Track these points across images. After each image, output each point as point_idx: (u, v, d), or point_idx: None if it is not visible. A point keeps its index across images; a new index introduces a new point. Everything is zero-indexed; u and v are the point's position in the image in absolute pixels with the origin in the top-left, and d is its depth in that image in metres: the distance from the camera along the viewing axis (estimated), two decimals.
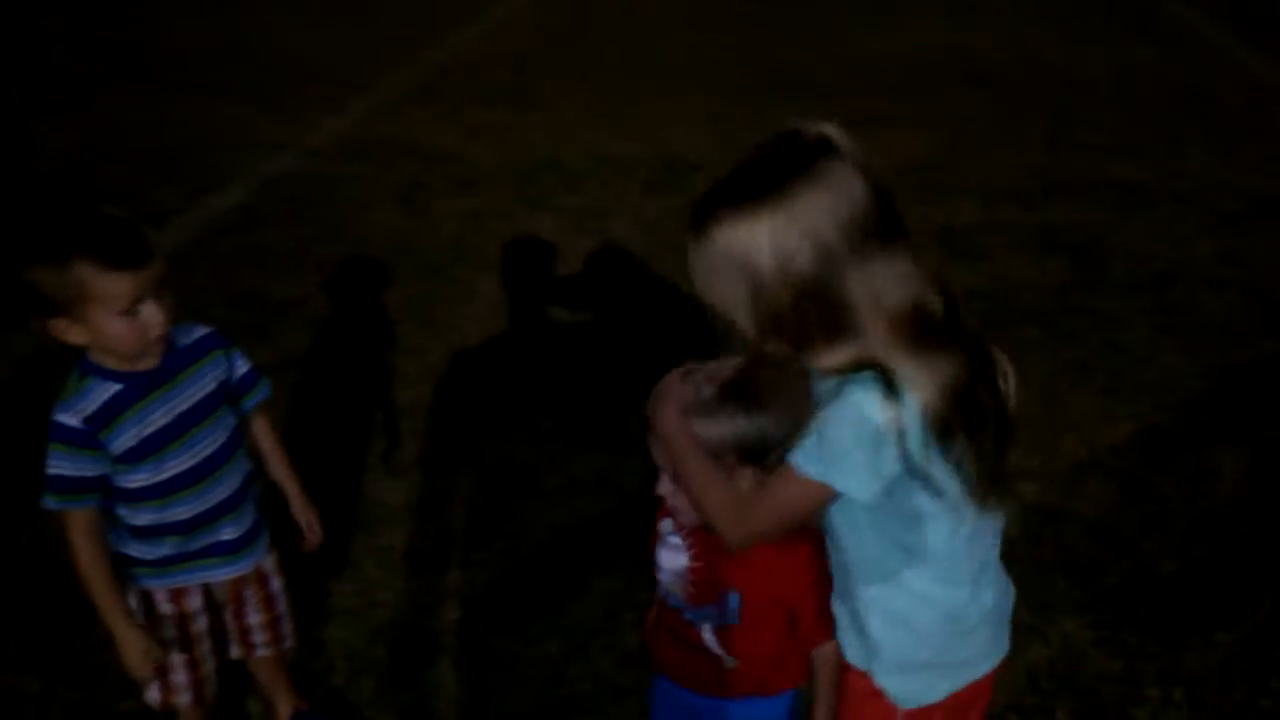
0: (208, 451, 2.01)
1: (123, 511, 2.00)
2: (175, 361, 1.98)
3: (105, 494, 1.97)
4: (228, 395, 2.08)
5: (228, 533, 2.10)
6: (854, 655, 1.61)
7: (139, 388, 1.92)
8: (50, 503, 1.91)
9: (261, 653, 2.28)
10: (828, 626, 1.66)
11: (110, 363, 1.91)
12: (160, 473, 1.96)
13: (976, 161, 5.65)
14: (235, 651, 2.28)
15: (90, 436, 1.88)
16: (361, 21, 8.69)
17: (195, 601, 2.12)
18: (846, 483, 1.36)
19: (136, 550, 2.04)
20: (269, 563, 2.23)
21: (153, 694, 2.18)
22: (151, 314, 1.86)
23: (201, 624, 2.15)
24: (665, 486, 1.64)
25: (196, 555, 2.08)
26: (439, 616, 2.74)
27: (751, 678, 1.76)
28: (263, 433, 2.20)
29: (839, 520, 1.49)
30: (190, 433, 1.99)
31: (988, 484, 1.41)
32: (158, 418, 1.95)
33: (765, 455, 1.51)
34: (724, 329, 1.45)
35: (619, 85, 7.09)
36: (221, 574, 2.13)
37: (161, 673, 2.14)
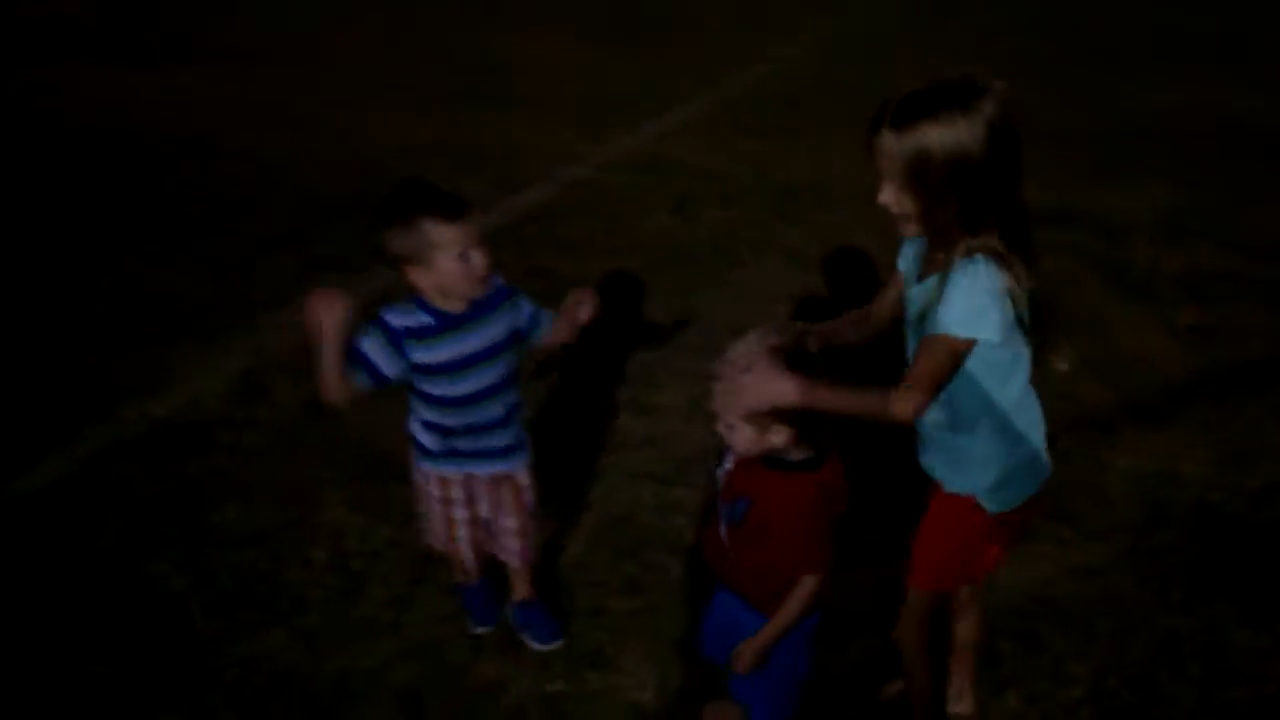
0: (485, 384, 2.53)
1: (417, 404, 2.57)
2: (475, 311, 2.49)
3: (381, 381, 2.43)
4: (516, 339, 2.58)
5: (493, 441, 2.62)
6: (957, 485, 2.11)
7: (443, 324, 2.46)
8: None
9: (512, 562, 2.83)
10: (811, 561, 2.09)
11: (434, 301, 2.44)
12: (445, 389, 2.50)
13: (1226, 218, 5.71)
14: (490, 547, 2.83)
15: (398, 337, 2.43)
16: (662, 58, 9.65)
17: (456, 492, 2.66)
18: (986, 331, 1.89)
19: (420, 435, 2.61)
20: (524, 476, 2.73)
21: (427, 538, 2.82)
22: (478, 259, 2.40)
23: (459, 514, 2.70)
24: (720, 425, 2.09)
25: (464, 455, 2.61)
26: (665, 518, 3.37)
27: (741, 581, 2.21)
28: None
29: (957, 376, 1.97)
30: (474, 367, 2.50)
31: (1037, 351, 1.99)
32: (449, 350, 2.46)
33: (795, 416, 1.98)
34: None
35: None
36: (483, 469, 2.65)
37: (429, 524, 2.76)
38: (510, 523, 2.76)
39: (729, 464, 2.22)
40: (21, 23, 10.98)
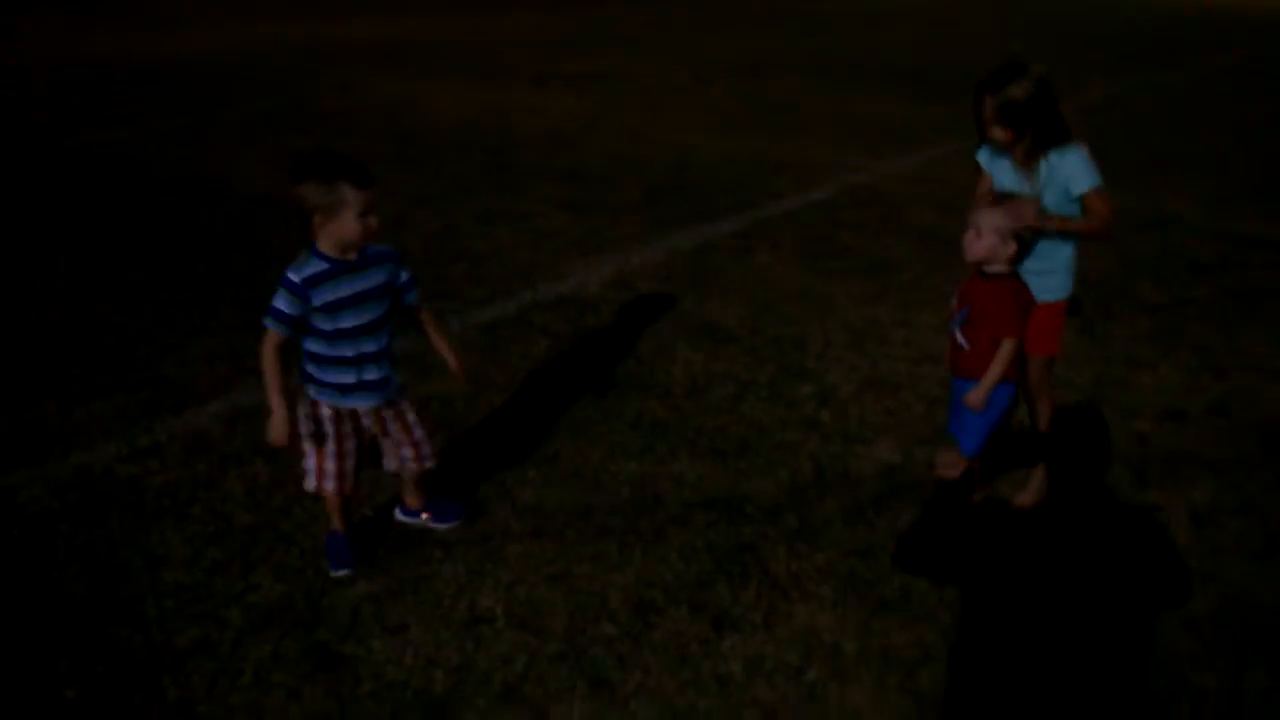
0: (368, 319, 3.05)
1: (311, 346, 3.04)
2: (364, 261, 3.02)
3: (298, 330, 2.98)
4: (390, 290, 3.11)
5: (371, 374, 3.10)
6: (1063, 291, 3.50)
7: (339, 269, 2.96)
8: (267, 322, 2.98)
9: (410, 466, 3.31)
10: (1010, 328, 3.30)
11: (329, 250, 2.93)
12: (337, 323, 3.00)
13: None
14: (391, 465, 3.31)
15: (302, 289, 2.91)
16: (946, 108, 11.03)
17: (329, 428, 3.12)
18: (1101, 181, 3.30)
19: (314, 371, 3.08)
20: (406, 406, 3.25)
21: (309, 481, 3.19)
22: (372, 220, 2.93)
23: (329, 448, 3.13)
24: (970, 234, 3.31)
25: (346, 388, 3.08)
26: (917, 373, 4.74)
27: (973, 364, 3.40)
28: (427, 318, 3.28)
29: (1070, 210, 3.40)
30: (362, 305, 3.02)
31: None
32: (344, 289, 2.97)
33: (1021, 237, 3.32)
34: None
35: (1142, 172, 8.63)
36: (364, 403, 3.14)
37: (316, 463, 3.15)
38: (404, 443, 3.28)
39: (961, 287, 3.59)
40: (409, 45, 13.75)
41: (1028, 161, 3.43)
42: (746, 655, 2.99)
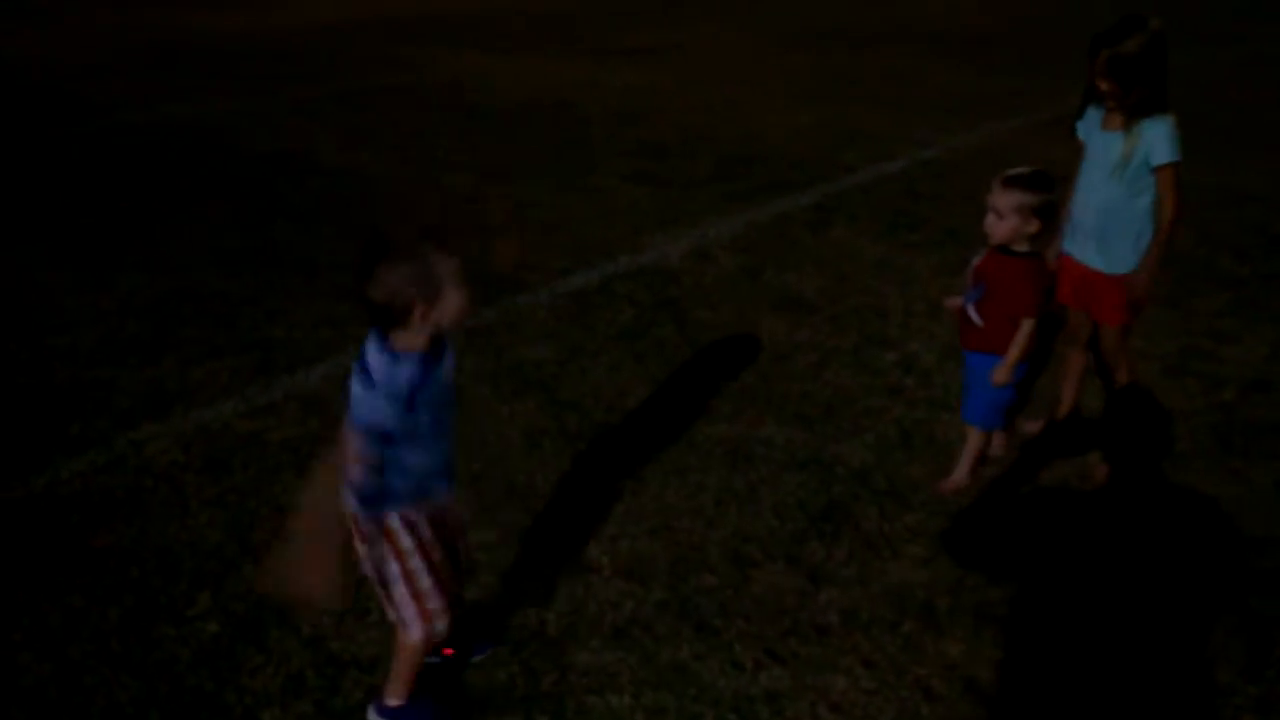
0: (449, 407, 2.53)
1: (401, 453, 2.40)
2: (435, 346, 2.43)
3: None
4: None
5: (446, 462, 2.57)
6: (1129, 266, 3.55)
7: (427, 361, 2.39)
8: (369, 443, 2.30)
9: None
10: (1029, 309, 3.32)
11: (416, 347, 2.36)
12: (440, 416, 2.48)
13: None
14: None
15: (411, 388, 2.34)
16: (1014, 77, 10.96)
17: (425, 531, 2.54)
18: (1180, 159, 3.36)
19: (394, 482, 2.45)
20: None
21: (413, 631, 2.58)
22: (468, 292, 2.37)
23: (436, 555, 2.57)
24: (992, 217, 3.35)
25: (427, 488, 2.53)
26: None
27: (986, 338, 3.43)
28: None
29: (1147, 181, 3.47)
30: (448, 394, 2.51)
31: None
32: (439, 382, 2.44)
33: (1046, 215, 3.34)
34: None
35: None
36: (439, 493, 2.57)
37: (413, 599, 2.54)
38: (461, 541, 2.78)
39: (975, 261, 3.52)
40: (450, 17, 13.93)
41: (1125, 124, 3.48)
42: (843, 607, 3.13)
